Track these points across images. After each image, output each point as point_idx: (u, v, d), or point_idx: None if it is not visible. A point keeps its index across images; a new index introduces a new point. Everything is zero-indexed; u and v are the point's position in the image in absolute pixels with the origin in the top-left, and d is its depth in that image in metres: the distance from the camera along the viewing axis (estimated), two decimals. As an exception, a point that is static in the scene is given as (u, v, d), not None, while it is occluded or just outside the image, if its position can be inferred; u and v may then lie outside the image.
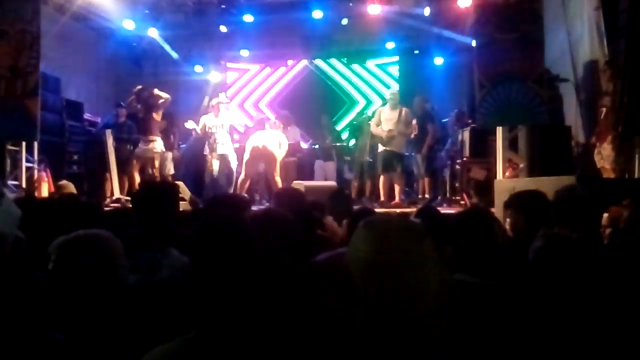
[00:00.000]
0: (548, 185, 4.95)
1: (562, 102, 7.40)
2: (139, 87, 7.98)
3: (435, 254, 1.18)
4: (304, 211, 3.32)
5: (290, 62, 12.06)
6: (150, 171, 7.97)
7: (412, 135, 8.33)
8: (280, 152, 7.79)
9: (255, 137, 7.83)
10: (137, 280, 1.97)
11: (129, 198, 7.57)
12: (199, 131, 8.27)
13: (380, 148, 7.91)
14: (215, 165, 8.27)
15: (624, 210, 3.34)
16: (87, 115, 9.32)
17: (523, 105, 6.29)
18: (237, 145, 8.56)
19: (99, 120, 9.44)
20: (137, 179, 7.74)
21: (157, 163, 8.00)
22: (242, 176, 7.63)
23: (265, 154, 7.62)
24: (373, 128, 7.96)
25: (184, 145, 9.75)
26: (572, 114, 7.37)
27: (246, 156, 7.70)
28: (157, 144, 7.88)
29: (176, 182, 8.02)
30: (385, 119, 7.81)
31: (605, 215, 3.39)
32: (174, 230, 2.42)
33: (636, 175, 5.76)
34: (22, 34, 7.09)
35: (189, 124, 8.36)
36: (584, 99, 7.10)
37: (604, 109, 6.11)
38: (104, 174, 8.33)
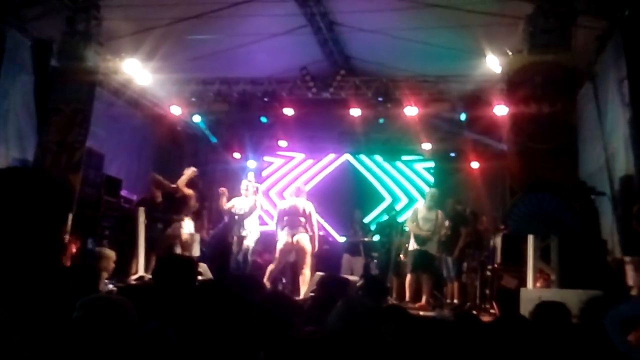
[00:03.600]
0: (574, 297, 4.73)
1: (599, 215, 7.22)
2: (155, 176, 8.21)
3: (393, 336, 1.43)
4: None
5: (326, 156, 12.33)
6: (176, 251, 8.01)
7: (444, 237, 8.23)
8: (310, 238, 7.71)
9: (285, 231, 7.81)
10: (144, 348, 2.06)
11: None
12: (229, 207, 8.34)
13: (412, 246, 7.81)
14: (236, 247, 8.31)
15: None
16: (124, 192, 9.62)
17: (555, 216, 6.15)
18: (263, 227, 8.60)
19: (134, 197, 9.71)
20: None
21: (185, 244, 8.07)
22: (272, 265, 7.63)
23: (298, 248, 7.58)
24: (409, 225, 7.92)
25: (212, 231, 9.85)
26: (609, 229, 7.16)
27: (279, 246, 7.69)
28: (185, 225, 7.97)
29: (199, 263, 8.07)
30: (422, 218, 7.79)
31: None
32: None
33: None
34: (75, 113, 7.56)
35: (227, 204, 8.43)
36: (620, 213, 6.91)
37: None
38: (132, 250, 8.43)
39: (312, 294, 4.89)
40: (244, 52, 9.07)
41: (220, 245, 10.22)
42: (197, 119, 10.32)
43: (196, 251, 8.66)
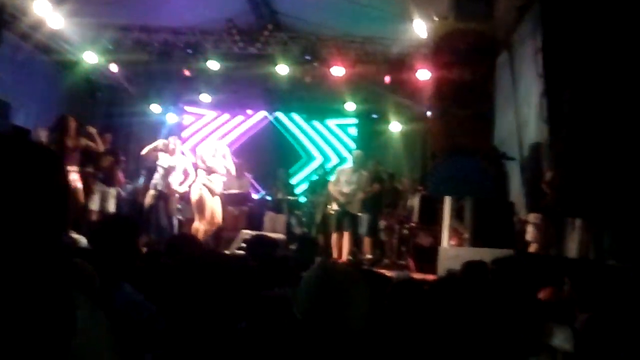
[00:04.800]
0: (487, 256, 5.13)
1: (508, 178, 7.74)
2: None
3: (366, 297, 1.45)
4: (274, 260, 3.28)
5: (250, 112, 12.16)
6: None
7: (366, 196, 8.48)
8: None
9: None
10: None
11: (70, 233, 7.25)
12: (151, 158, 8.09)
13: (335, 207, 7.99)
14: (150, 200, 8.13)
15: (565, 287, 3.57)
16: (32, 144, 8.99)
17: (471, 179, 6.54)
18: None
19: (45, 149, 9.13)
20: None
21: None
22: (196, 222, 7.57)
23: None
24: (331, 187, 8.05)
25: (130, 186, 9.51)
26: (516, 191, 7.71)
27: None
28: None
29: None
30: (345, 180, 7.92)
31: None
32: (133, 266, 2.40)
33: (566, 254, 6.06)
34: (-23, 55, 6.90)
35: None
36: (527, 177, 7.46)
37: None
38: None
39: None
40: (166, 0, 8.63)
41: (138, 199, 9.93)
42: (113, 68, 9.76)
43: (111, 206, 8.35)
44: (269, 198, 9.69)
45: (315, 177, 9.93)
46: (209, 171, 7.63)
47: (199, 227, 7.52)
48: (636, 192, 5.54)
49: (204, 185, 7.59)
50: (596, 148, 5.58)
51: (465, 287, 2.19)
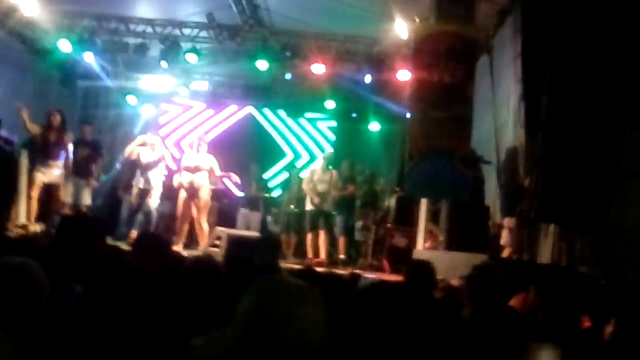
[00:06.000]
0: (462, 260, 5.14)
1: (484, 182, 7.76)
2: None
3: (319, 314, 1.32)
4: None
5: (228, 107, 12.00)
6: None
7: (338, 197, 8.42)
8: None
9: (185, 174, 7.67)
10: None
11: (36, 225, 7.11)
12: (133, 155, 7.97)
13: (309, 206, 7.94)
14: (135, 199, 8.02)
15: (530, 294, 3.58)
16: (2, 132, 8.74)
17: (447, 181, 6.53)
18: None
19: (15, 139, 8.87)
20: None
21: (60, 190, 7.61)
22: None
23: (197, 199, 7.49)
24: (305, 186, 8.00)
25: (105, 177, 9.33)
26: (492, 195, 7.73)
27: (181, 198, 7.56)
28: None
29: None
30: (317, 180, 7.91)
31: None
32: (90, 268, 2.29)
33: (538, 259, 6.09)
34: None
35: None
36: (503, 181, 7.49)
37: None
38: (12, 196, 7.77)
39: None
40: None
41: (112, 193, 9.77)
42: (89, 57, 9.53)
43: (87, 199, 8.19)
44: (242, 194, 9.55)
45: (286, 175, 9.85)
46: (193, 169, 7.53)
47: (177, 224, 7.46)
48: (608, 200, 5.58)
49: (187, 182, 7.50)
50: (572, 155, 5.60)
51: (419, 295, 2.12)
